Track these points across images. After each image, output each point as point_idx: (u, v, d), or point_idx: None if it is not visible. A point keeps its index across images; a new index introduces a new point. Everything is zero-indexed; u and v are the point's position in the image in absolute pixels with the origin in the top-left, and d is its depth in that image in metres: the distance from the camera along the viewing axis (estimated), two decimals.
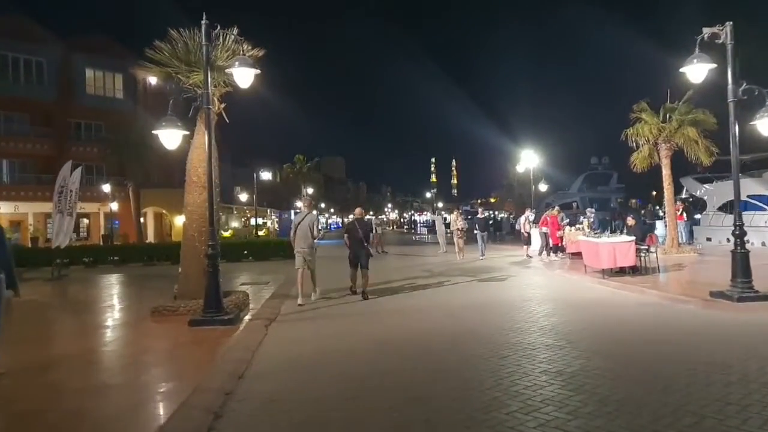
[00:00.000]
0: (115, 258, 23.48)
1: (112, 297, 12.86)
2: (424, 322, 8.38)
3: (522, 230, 19.11)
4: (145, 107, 44.72)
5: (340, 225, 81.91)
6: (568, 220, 19.56)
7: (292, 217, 49.01)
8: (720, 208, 25.20)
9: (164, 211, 45.21)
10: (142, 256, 23.47)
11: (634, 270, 12.68)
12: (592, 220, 18.32)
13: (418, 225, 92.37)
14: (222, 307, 8.26)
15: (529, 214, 19.59)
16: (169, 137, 8.10)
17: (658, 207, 61.78)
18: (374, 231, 25.87)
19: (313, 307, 9.92)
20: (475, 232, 19.47)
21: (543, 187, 28.88)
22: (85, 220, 42.11)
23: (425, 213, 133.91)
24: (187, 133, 8.43)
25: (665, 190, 19.02)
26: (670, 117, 18.43)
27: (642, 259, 12.85)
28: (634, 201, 58.81)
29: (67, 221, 16.70)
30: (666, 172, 18.78)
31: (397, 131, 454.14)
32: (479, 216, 21.06)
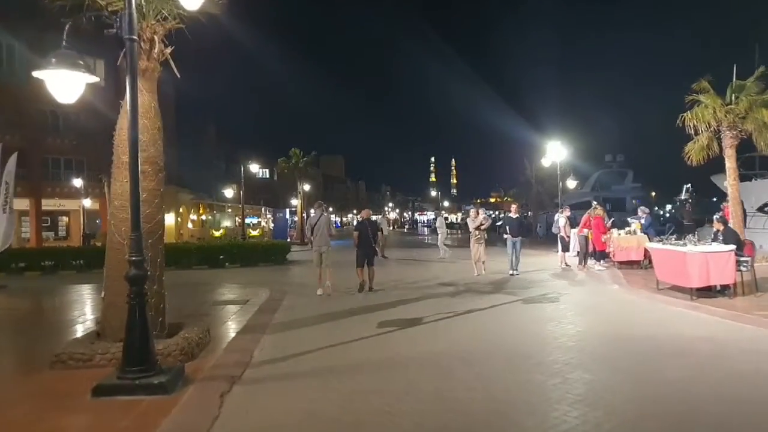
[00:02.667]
0: (80, 262, 20.27)
1: (27, 326, 9.47)
2: (477, 389, 5.17)
3: (563, 234, 15.83)
4: None
5: (339, 224, 79.08)
6: (612, 220, 16.40)
7: (287, 216, 46.07)
8: (760, 209, 22.44)
9: None
10: None
11: (726, 289, 9.60)
12: (643, 221, 15.20)
13: (419, 225, 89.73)
14: (152, 361, 5.11)
15: (566, 214, 16.38)
16: (62, 84, 4.94)
17: (657, 208, 58.35)
18: (381, 232, 22.68)
19: (302, 349, 6.75)
20: (505, 236, 14.64)
21: (571, 184, 25.68)
22: (65, 218, 38.92)
23: (425, 213, 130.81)
24: (97, 80, 5.28)
25: (729, 187, 15.85)
26: (737, 98, 15.28)
27: (740, 274, 9.72)
28: (634, 201, 55.66)
29: (3, 219, 13.51)
30: (731, 165, 15.62)
31: (397, 128, 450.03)
32: (511, 215, 15.40)
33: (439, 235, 22.48)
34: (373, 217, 15.62)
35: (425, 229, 73.53)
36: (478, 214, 15.34)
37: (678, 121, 15.69)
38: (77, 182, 30.60)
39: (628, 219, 15.65)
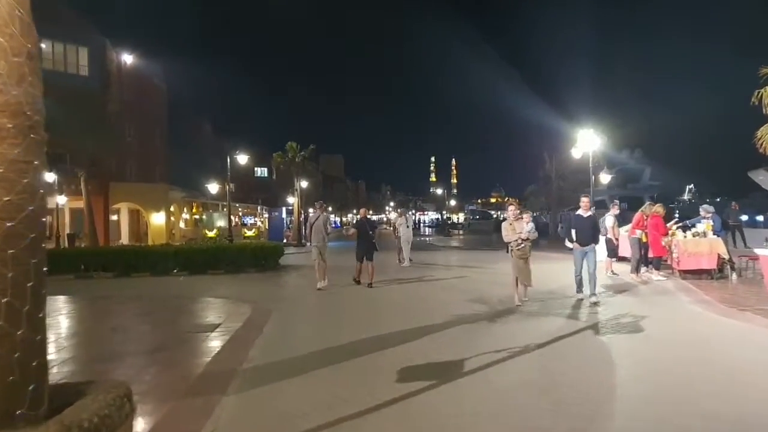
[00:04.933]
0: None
1: None
2: None
3: (610, 236, 13.03)
4: (120, 89, 39.00)
5: (339, 224, 76.59)
6: (675, 220, 13.67)
7: (284, 215, 43.31)
8: None
9: (140, 208, 39.57)
10: (77, 264, 17.53)
11: None
12: (712, 222, 12.44)
13: (421, 225, 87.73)
14: None
15: (615, 212, 13.56)
16: None
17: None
18: (395, 233, 18.86)
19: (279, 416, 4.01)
20: (570, 245, 10.02)
21: (605, 178, 22.85)
22: (48, 218, 36.23)
23: (426, 213, 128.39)
24: None
25: None
26: None
27: None
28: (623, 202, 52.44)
29: None
30: None
31: (397, 127, 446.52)
32: (581, 213, 9.83)
33: (403, 240, 18.04)
34: (395, 215, 13.24)
35: (427, 229, 70.97)
36: (521, 215, 9.68)
37: (753, 99, 13.00)
38: (49, 177, 27.78)
39: (701, 217, 12.76)
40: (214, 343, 7.05)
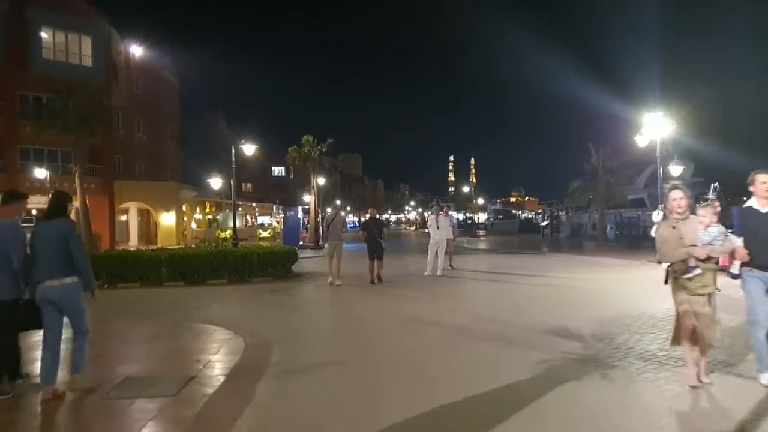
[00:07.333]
0: None
1: None
2: None
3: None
4: (129, 82, 36.87)
5: (357, 224, 74.12)
6: None
7: (299, 215, 40.80)
8: None
9: (149, 208, 37.36)
10: None
11: None
12: None
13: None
14: None
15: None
16: None
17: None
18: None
19: None
20: (738, 272, 4.78)
21: (677, 170, 19.61)
22: None
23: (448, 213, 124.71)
24: None
25: None
26: None
27: None
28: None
29: None
30: None
31: (417, 126, 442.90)
32: (757, 207, 4.79)
33: (433, 243, 14.95)
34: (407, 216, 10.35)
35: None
36: (685, 212, 4.79)
37: None
38: (40, 173, 25.49)
39: None
40: (171, 423, 4.32)
